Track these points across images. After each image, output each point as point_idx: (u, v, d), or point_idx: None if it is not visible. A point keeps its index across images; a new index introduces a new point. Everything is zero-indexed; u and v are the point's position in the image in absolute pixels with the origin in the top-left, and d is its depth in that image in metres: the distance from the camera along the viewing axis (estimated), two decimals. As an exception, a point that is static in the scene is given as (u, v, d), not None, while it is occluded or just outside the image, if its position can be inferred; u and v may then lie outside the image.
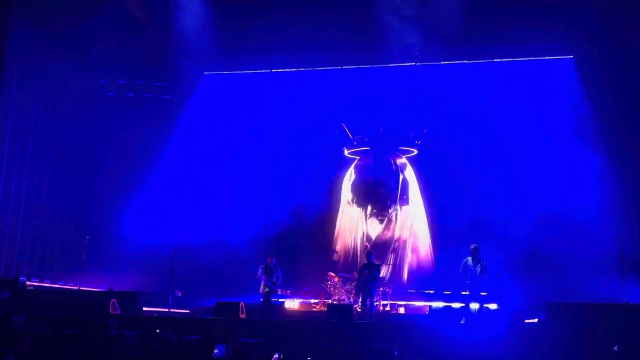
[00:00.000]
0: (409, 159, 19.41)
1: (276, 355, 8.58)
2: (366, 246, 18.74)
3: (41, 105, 18.41)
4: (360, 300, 14.91)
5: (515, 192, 17.69)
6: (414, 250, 18.87)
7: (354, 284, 16.50)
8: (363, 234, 19.34)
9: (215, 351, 8.60)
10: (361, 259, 18.12)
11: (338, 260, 18.93)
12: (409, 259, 18.81)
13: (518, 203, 17.53)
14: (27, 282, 15.47)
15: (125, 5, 18.21)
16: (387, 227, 19.21)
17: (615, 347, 8.67)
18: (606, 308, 11.66)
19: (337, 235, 19.57)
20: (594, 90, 17.54)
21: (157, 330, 9.87)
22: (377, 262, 15.24)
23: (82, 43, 18.06)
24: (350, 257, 19.17)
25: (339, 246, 19.32)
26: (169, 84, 20.75)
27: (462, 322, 13.09)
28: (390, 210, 19.23)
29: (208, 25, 18.43)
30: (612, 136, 17.01)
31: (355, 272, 16.83)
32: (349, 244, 19.39)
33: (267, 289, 15.38)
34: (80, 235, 17.05)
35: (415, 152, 19.28)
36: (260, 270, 15.48)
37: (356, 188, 19.71)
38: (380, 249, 18.68)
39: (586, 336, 9.97)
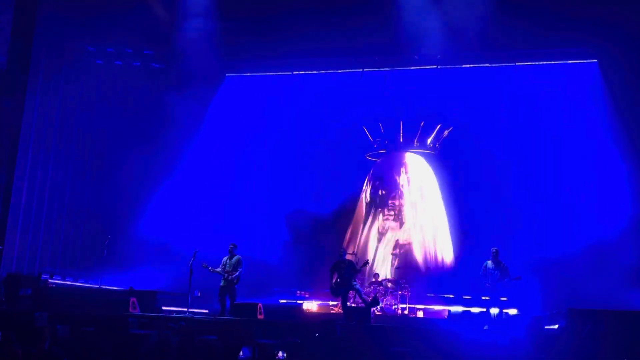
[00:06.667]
0: (429, 160, 19.33)
1: (280, 354, 8.59)
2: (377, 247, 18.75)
3: (66, 104, 18.67)
4: (341, 301, 14.52)
5: (539, 198, 17.56)
6: (432, 253, 18.77)
7: (372, 287, 16.49)
8: (377, 234, 19.34)
9: (240, 354, 8.61)
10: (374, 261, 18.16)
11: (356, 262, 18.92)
12: (420, 261, 18.73)
13: (541, 208, 17.41)
14: (49, 280, 15.64)
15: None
16: (399, 228, 19.16)
17: None
18: (627, 315, 11.49)
19: (350, 237, 19.58)
20: (619, 95, 17.33)
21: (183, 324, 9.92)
22: (348, 259, 15.20)
23: (106, 29, 18.10)
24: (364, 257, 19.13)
25: (353, 247, 19.25)
26: (193, 87, 20.81)
27: (485, 328, 12.95)
28: (397, 211, 19.19)
29: (231, 27, 18.54)
30: (637, 142, 16.78)
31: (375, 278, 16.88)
32: (365, 245, 19.38)
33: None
34: (102, 234, 17.26)
35: (433, 152, 19.24)
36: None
37: (372, 191, 19.70)
38: (392, 249, 18.87)
39: (603, 342, 9.85)
